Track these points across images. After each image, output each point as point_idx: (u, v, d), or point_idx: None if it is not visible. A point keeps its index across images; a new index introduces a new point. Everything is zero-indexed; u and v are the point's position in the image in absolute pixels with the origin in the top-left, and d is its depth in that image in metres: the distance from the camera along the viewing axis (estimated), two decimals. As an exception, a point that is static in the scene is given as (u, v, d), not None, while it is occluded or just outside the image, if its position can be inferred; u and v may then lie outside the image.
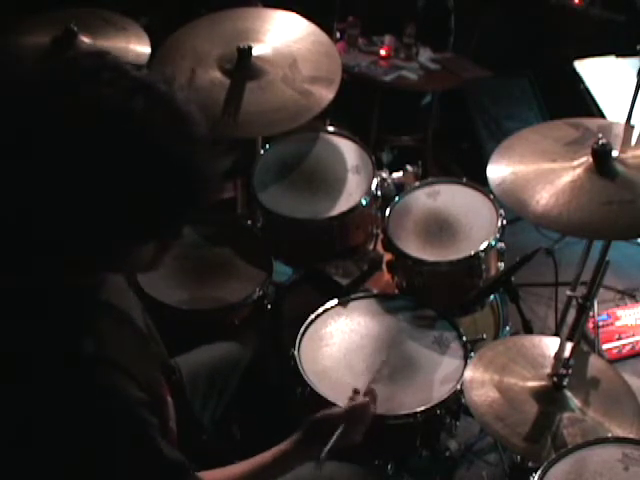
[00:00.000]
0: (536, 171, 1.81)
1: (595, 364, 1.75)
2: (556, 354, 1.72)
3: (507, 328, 2.26)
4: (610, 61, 2.82)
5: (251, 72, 2.15)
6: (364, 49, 3.60)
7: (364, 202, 2.14)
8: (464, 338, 1.91)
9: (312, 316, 1.97)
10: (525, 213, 1.74)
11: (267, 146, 2.34)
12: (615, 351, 2.71)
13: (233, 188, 2.77)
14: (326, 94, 2.15)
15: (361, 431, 1.51)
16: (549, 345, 1.77)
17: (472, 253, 2.01)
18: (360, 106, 3.47)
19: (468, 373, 1.72)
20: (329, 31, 2.65)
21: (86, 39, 2.20)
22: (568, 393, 1.62)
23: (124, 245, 1.09)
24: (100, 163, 0.99)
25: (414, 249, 2.07)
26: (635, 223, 1.67)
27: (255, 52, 2.16)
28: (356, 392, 1.62)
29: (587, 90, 2.70)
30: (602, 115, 2.57)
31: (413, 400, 1.76)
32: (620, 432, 1.56)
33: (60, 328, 1.06)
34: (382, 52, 3.54)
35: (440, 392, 1.78)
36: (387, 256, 2.18)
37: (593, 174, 1.74)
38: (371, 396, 1.61)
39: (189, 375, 1.63)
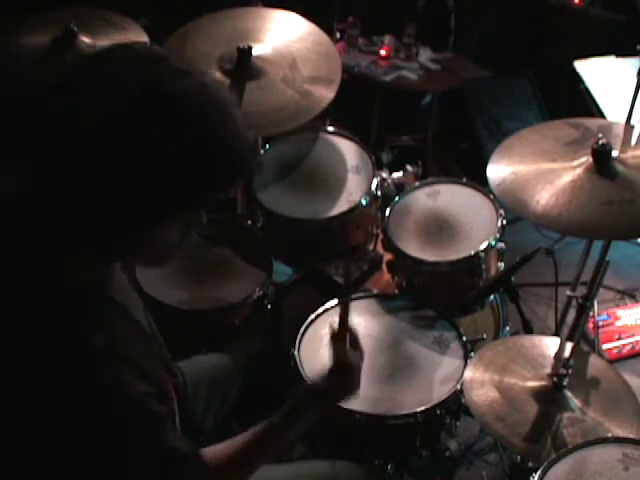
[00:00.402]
0: (536, 171, 1.81)
1: (595, 364, 1.75)
2: (556, 354, 1.72)
3: (507, 328, 2.26)
4: (610, 61, 2.82)
5: (251, 72, 2.15)
6: (364, 49, 3.60)
7: (364, 202, 2.14)
8: (464, 338, 1.91)
9: (312, 316, 1.97)
10: (525, 213, 1.74)
11: (267, 146, 2.34)
12: (615, 351, 2.71)
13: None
14: (326, 94, 2.15)
15: (356, 379, 1.44)
16: (549, 345, 1.77)
17: (472, 253, 2.01)
18: (360, 106, 3.47)
19: (468, 373, 1.72)
20: (329, 31, 2.65)
21: (86, 39, 2.20)
22: (568, 393, 1.62)
23: (146, 228, 1.08)
24: (131, 145, 0.99)
25: (414, 249, 2.07)
26: (635, 223, 1.67)
27: (255, 52, 2.16)
28: (332, 328, 1.53)
29: (587, 90, 2.70)
30: (602, 115, 2.57)
31: (413, 400, 1.76)
32: (620, 432, 1.56)
33: (69, 323, 1.06)
34: (382, 52, 3.54)
35: (440, 392, 1.78)
36: (387, 256, 2.18)
37: (593, 174, 1.74)
38: (351, 335, 1.51)
39: (191, 381, 1.63)
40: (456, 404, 1.81)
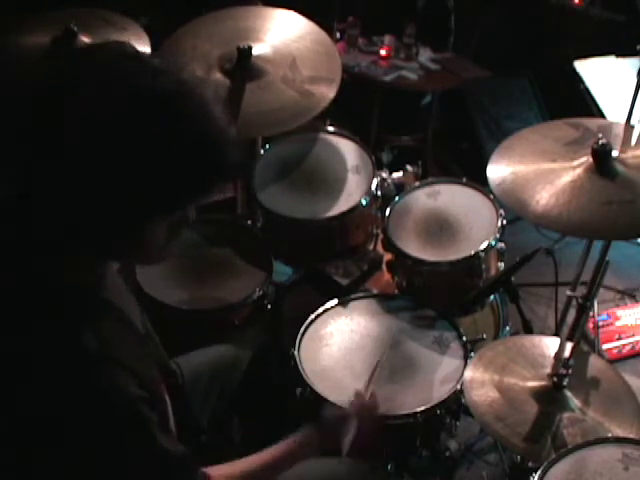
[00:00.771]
0: (536, 171, 1.80)
1: (595, 364, 1.75)
2: (556, 354, 1.72)
3: (507, 328, 2.26)
4: (610, 61, 2.82)
5: (251, 72, 2.15)
6: (364, 49, 3.60)
7: (364, 202, 2.14)
8: (464, 338, 1.91)
9: (312, 316, 1.97)
10: (525, 213, 1.74)
11: (267, 146, 2.34)
12: (615, 351, 2.71)
13: (233, 188, 2.77)
14: (326, 94, 2.15)
15: (370, 432, 1.52)
16: (549, 345, 1.77)
17: (472, 253, 2.01)
18: (360, 106, 3.47)
19: (468, 373, 1.72)
20: (329, 31, 2.65)
21: (86, 39, 2.20)
22: (568, 393, 1.62)
23: (137, 227, 1.08)
24: (124, 143, 1.00)
25: (414, 249, 2.06)
26: (635, 223, 1.67)
27: (255, 52, 2.16)
28: (359, 394, 1.62)
29: (587, 90, 2.70)
30: (602, 115, 2.57)
31: (413, 400, 1.76)
32: (620, 432, 1.56)
33: (68, 323, 1.06)
34: (382, 52, 3.54)
35: (440, 392, 1.78)
36: (387, 256, 2.18)
37: (593, 174, 1.74)
38: (373, 398, 1.62)
39: (190, 375, 1.63)
40: (456, 404, 1.81)
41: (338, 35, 3.59)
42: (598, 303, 2.77)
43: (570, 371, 1.61)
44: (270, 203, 2.16)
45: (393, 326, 1.96)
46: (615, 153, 1.77)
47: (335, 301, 2.02)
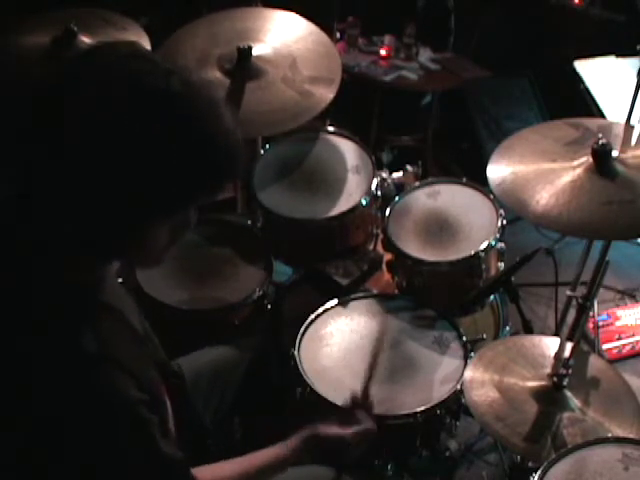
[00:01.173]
0: (536, 171, 1.81)
1: (595, 364, 1.75)
2: (556, 354, 1.72)
3: (507, 328, 2.26)
4: (610, 61, 2.82)
5: (251, 72, 2.15)
6: (364, 49, 3.60)
7: (364, 202, 2.14)
8: (464, 338, 1.91)
9: (312, 316, 1.97)
10: (525, 213, 1.74)
11: (267, 146, 2.33)
12: (615, 351, 2.71)
13: (233, 188, 2.77)
14: (326, 94, 2.15)
15: (363, 447, 1.53)
16: (549, 345, 1.77)
17: (472, 253, 2.01)
18: (360, 106, 3.47)
19: (468, 373, 1.72)
20: (329, 31, 2.65)
21: (86, 39, 2.20)
22: (568, 393, 1.62)
23: (138, 228, 1.08)
24: (129, 141, 1.00)
25: (414, 249, 2.06)
26: (635, 223, 1.67)
27: (255, 52, 2.16)
28: (355, 400, 1.61)
29: (587, 90, 2.70)
30: (602, 115, 2.57)
31: (413, 400, 1.76)
32: (620, 432, 1.56)
33: (63, 326, 1.06)
34: (382, 52, 3.54)
35: (440, 392, 1.78)
36: (387, 256, 2.18)
37: (593, 174, 1.74)
38: (369, 404, 1.62)
39: (191, 376, 1.63)
40: (456, 404, 1.81)
41: (338, 35, 3.59)
42: (598, 303, 2.77)
43: (570, 371, 1.61)
44: (270, 203, 2.16)
45: (393, 326, 1.96)
46: (615, 153, 1.77)
47: (335, 301, 2.02)
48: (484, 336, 2.06)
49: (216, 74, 2.15)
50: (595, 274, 2.03)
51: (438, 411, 1.76)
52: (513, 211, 1.83)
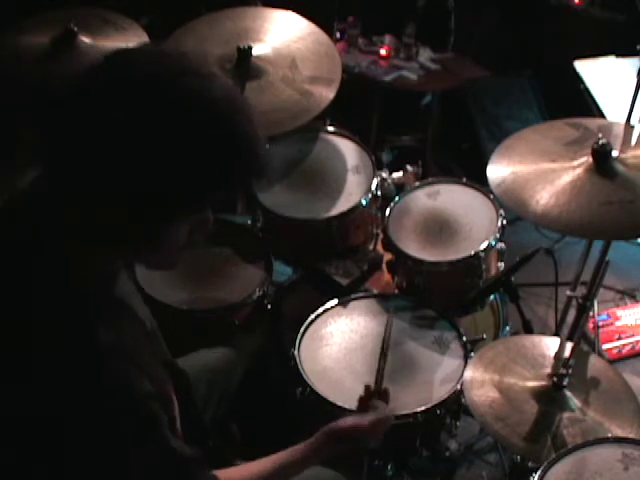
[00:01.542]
0: (536, 171, 1.80)
1: (595, 364, 1.75)
2: (556, 354, 1.72)
3: (507, 328, 2.26)
4: (610, 61, 2.82)
5: (251, 72, 2.15)
6: (364, 49, 3.59)
7: (364, 202, 2.14)
8: (464, 338, 1.91)
9: (312, 316, 1.97)
10: (525, 213, 1.74)
11: (267, 146, 2.33)
12: (615, 351, 2.71)
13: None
14: (326, 94, 2.15)
15: (380, 437, 1.52)
16: (549, 345, 1.77)
17: (472, 253, 2.01)
18: (360, 106, 3.46)
19: (468, 373, 1.72)
20: (329, 31, 2.65)
21: (86, 39, 2.20)
22: (568, 393, 1.62)
23: (156, 228, 1.08)
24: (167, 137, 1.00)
25: (414, 249, 2.07)
26: (635, 223, 1.67)
27: (255, 52, 2.16)
28: (368, 389, 1.61)
29: (587, 90, 2.70)
30: (602, 115, 2.57)
31: (413, 400, 1.76)
32: (620, 432, 1.56)
33: (79, 320, 1.06)
34: (382, 52, 3.54)
35: (440, 392, 1.78)
36: (387, 256, 2.18)
37: (593, 174, 1.74)
38: (385, 396, 1.61)
39: (191, 376, 1.63)
40: (456, 404, 1.81)
41: (338, 35, 3.59)
42: (598, 303, 2.77)
43: (570, 371, 1.61)
44: (270, 203, 2.16)
45: (393, 326, 1.96)
46: (615, 153, 1.77)
47: (335, 301, 2.02)
48: (484, 336, 2.06)
49: (216, 74, 2.15)
50: (595, 274, 2.03)
51: (438, 411, 1.76)
52: (513, 211, 1.83)
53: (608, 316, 2.81)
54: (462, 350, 1.88)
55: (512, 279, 2.00)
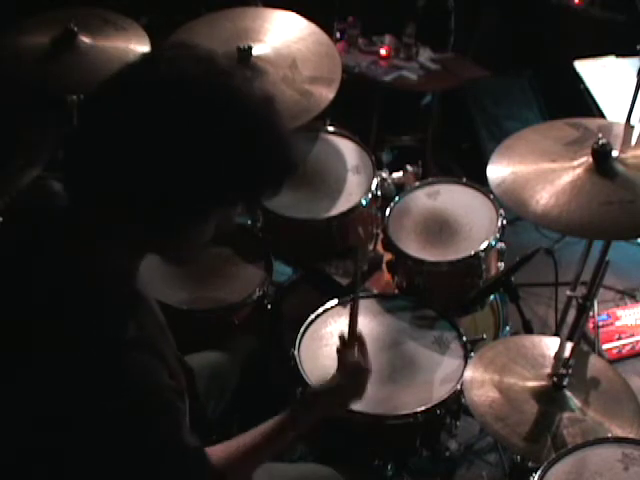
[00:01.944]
0: (536, 171, 1.81)
1: (595, 364, 1.75)
2: (556, 354, 1.72)
3: (507, 328, 2.27)
4: (610, 61, 2.82)
5: (251, 72, 2.15)
6: (364, 49, 3.59)
7: (364, 202, 2.14)
8: (464, 338, 1.91)
9: (312, 316, 1.97)
10: (525, 213, 1.74)
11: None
12: (615, 351, 2.71)
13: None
14: (326, 94, 2.15)
15: (363, 386, 1.48)
16: (549, 345, 1.77)
17: (472, 253, 2.01)
18: (360, 106, 3.46)
19: (468, 373, 1.72)
20: (329, 31, 2.65)
21: (86, 39, 2.21)
22: (568, 393, 1.62)
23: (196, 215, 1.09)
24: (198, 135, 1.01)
25: (414, 249, 2.07)
26: (635, 223, 1.67)
27: (255, 52, 2.16)
28: (342, 340, 1.56)
29: (587, 90, 2.70)
30: (602, 115, 2.57)
31: (413, 400, 1.76)
32: (620, 432, 1.56)
33: (103, 310, 1.06)
34: (382, 52, 3.54)
35: (440, 392, 1.78)
36: (387, 256, 2.18)
37: (593, 174, 1.74)
38: (360, 343, 1.55)
39: None
40: (456, 404, 1.81)
41: (338, 35, 3.59)
42: (598, 303, 2.77)
43: (570, 371, 1.61)
44: (270, 203, 2.16)
45: (393, 326, 1.96)
46: (615, 153, 1.77)
47: (335, 301, 2.02)
48: (484, 336, 2.06)
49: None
50: (595, 274, 2.03)
51: (438, 411, 1.76)
52: (513, 211, 1.83)
53: (608, 316, 2.81)
54: (462, 350, 1.88)
55: (512, 279, 2.00)
